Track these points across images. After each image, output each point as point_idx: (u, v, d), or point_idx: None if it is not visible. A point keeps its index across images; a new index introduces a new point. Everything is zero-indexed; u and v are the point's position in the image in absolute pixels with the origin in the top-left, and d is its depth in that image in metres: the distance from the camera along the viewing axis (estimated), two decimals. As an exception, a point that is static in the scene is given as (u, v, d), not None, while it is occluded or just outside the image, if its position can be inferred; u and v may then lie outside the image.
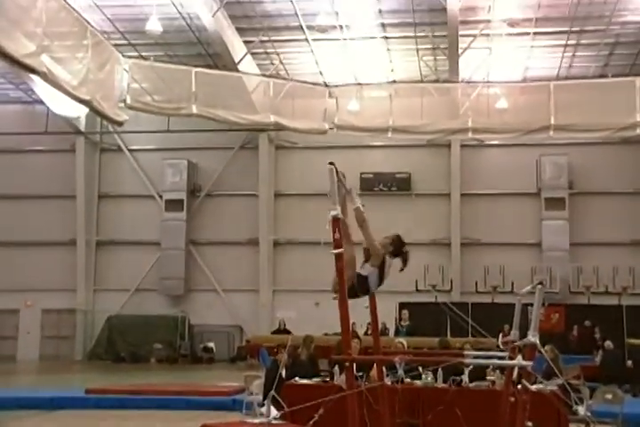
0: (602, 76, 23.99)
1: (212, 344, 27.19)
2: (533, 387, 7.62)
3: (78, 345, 27.91)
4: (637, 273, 25.68)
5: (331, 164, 6.42)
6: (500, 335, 18.94)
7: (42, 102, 25.05)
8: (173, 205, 27.88)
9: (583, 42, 23.66)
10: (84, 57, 19.09)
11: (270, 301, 27.62)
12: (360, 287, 6.82)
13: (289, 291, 27.21)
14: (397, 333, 20.64)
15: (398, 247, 7.09)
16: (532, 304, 7.30)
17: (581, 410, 7.98)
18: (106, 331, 27.54)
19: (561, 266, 25.72)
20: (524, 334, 7.40)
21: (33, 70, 17.52)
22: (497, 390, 9.34)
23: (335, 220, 6.24)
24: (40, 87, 23.18)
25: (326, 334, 20.09)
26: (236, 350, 26.96)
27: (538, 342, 6.83)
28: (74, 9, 19.00)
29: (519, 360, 7.08)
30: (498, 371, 10.22)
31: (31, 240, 27.97)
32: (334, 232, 6.20)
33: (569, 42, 23.60)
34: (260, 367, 17.97)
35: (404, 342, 12.42)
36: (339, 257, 6.22)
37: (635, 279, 25.65)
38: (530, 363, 6.64)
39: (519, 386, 7.49)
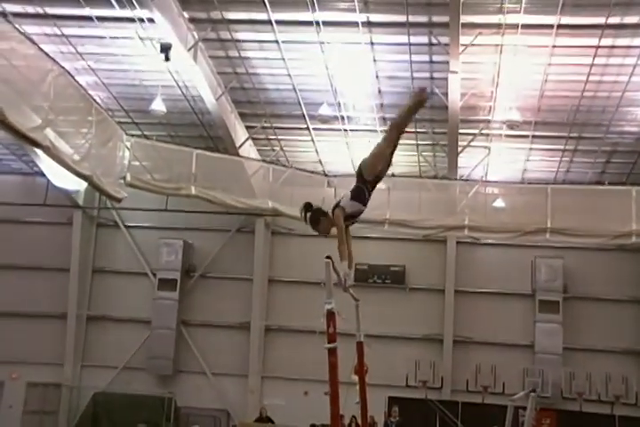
0: (598, 182, 24.16)
1: (197, 428, 26.63)
2: None
3: (62, 421, 27.29)
4: (631, 382, 25.16)
5: (328, 257, 6.48)
6: (488, 438, 18.51)
7: (42, 175, 25.38)
8: (167, 284, 27.69)
9: (581, 148, 23.93)
10: (87, 133, 19.48)
11: (259, 387, 27.13)
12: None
13: (278, 378, 26.76)
14: (386, 428, 20.25)
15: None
16: (523, 408, 7.17)
17: None
18: (91, 408, 26.84)
19: (553, 369, 25.19)
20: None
21: (36, 144, 17.81)
22: None
23: (330, 313, 6.23)
24: (42, 160, 23.54)
25: (314, 425, 19.68)
26: (222, 435, 26.39)
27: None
28: (81, 86, 19.52)
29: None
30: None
31: (21, 311, 27.72)
32: (328, 326, 6.18)
33: (567, 147, 23.88)
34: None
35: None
36: (332, 352, 6.16)
37: (628, 389, 25.11)
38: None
39: None
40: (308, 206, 7.36)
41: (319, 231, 7.35)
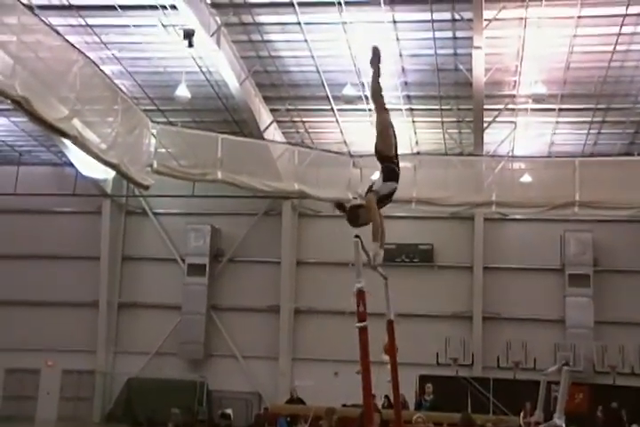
0: (627, 153, 24.05)
1: (229, 411, 26.73)
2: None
3: (96, 407, 27.67)
4: (664, 354, 25.17)
5: (356, 237, 6.47)
6: (522, 414, 18.53)
7: (71, 165, 25.51)
8: (196, 269, 27.89)
9: (609, 119, 23.78)
10: (113, 121, 19.58)
11: (289, 369, 27.30)
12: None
13: (308, 360, 26.91)
14: (420, 406, 20.27)
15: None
16: (555, 382, 7.15)
17: None
18: (125, 394, 27.33)
19: (585, 344, 25.20)
20: (547, 415, 7.24)
21: (64, 134, 17.97)
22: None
23: (360, 292, 6.24)
24: (70, 150, 23.64)
25: (344, 405, 19.78)
26: (253, 417, 26.57)
27: (564, 425, 6.67)
28: (106, 75, 19.55)
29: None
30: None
31: (54, 300, 28.03)
32: (358, 305, 6.19)
33: (594, 119, 23.76)
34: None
35: (424, 417, 12.15)
36: (363, 331, 6.19)
37: (661, 360, 25.14)
38: (555, 446, 6.48)
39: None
40: (340, 206, 7.29)
41: (361, 225, 7.29)
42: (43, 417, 27.40)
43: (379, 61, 7.46)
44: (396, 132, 7.45)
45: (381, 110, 7.47)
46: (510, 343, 25.79)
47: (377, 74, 7.46)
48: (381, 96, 7.52)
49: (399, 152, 7.42)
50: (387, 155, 7.30)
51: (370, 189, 7.25)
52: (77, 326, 27.93)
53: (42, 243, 28.39)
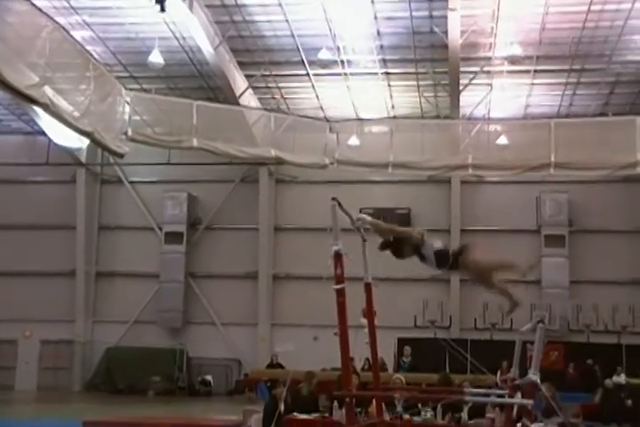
0: (602, 114, 24.19)
1: (209, 377, 26.99)
2: (534, 426, 7.54)
3: (76, 376, 27.71)
4: (637, 312, 25.52)
5: (333, 199, 6.45)
6: (499, 373, 18.77)
7: (43, 133, 25.19)
8: (173, 237, 27.83)
9: (584, 80, 23.85)
10: (86, 89, 19.31)
11: (269, 334, 27.44)
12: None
13: (287, 325, 26.96)
14: (399, 368, 20.48)
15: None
16: (530, 342, 7.24)
17: (583, 449, 7.88)
18: (104, 362, 27.37)
19: (560, 303, 25.57)
20: (523, 372, 7.33)
21: (35, 102, 17.75)
22: (496, 427, 9.24)
23: (337, 255, 6.25)
24: (42, 118, 23.34)
25: (324, 369, 19.95)
26: (233, 383, 26.75)
27: (539, 380, 6.77)
28: (77, 41, 19.26)
29: (521, 398, 7.02)
30: (497, 408, 10.11)
31: (31, 270, 27.87)
32: (336, 268, 6.21)
33: (569, 80, 23.82)
34: (258, 402, 17.80)
35: (403, 378, 12.32)
36: (340, 293, 6.21)
37: (634, 318, 25.49)
38: (531, 401, 6.58)
39: (519, 424, 7.39)
40: (385, 245, 6.98)
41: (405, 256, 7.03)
42: (22, 387, 27.38)
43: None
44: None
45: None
46: (487, 305, 25.99)
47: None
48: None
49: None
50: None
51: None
52: (55, 296, 27.84)
53: (16, 213, 28.13)
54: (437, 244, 6.93)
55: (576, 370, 22.51)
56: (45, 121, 23.14)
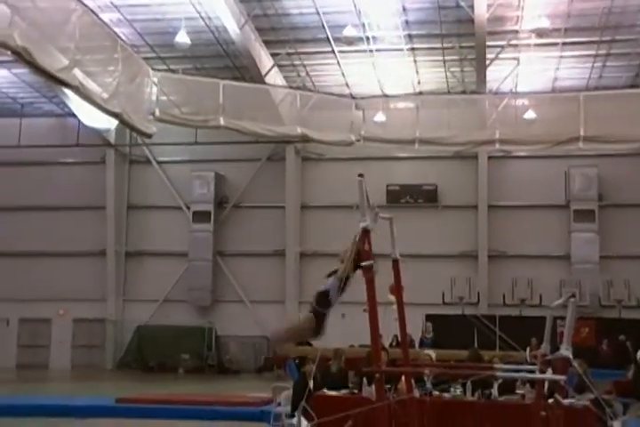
0: (632, 86, 23.83)
1: (238, 354, 27.29)
2: (566, 402, 7.53)
3: (108, 354, 28.14)
4: (669, 286, 25.33)
5: (360, 175, 6.45)
6: (528, 349, 18.76)
7: (73, 115, 25.42)
8: (201, 216, 28.00)
9: (613, 51, 23.38)
10: (114, 70, 19.49)
11: (296, 312, 27.55)
12: (321, 303, 6.55)
13: (315, 302, 27.08)
14: (422, 345, 20.52)
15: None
16: (561, 318, 7.20)
17: (616, 425, 7.87)
18: (135, 341, 27.78)
19: (591, 279, 25.33)
20: (553, 348, 7.32)
21: (66, 84, 18.01)
22: (527, 404, 9.23)
23: (365, 231, 6.25)
24: (71, 100, 23.52)
25: (352, 346, 20.06)
26: (262, 361, 26.98)
27: (571, 356, 6.76)
28: (105, 24, 19.35)
29: (552, 374, 7.01)
30: (528, 385, 10.11)
31: (63, 251, 28.29)
32: (363, 243, 6.21)
33: (599, 52, 23.38)
34: (287, 379, 17.95)
35: (432, 355, 12.34)
36: (368, 270, 6.22)
37: (667, 292, 25.32)
38: (563, 377, 6.57)
39: (550, 400, 7.39)
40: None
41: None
42: (56, 366, 27.93)
43: None
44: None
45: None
46: (516, 281, 25.98)
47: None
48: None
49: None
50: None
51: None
52: (86, 276, 28.22)
53: (47, 194, 28.46)
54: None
55: (609, 346, 22.40)
56: (75, 103, 23.39)
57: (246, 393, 17.29)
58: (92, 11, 18.33)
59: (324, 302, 6.55)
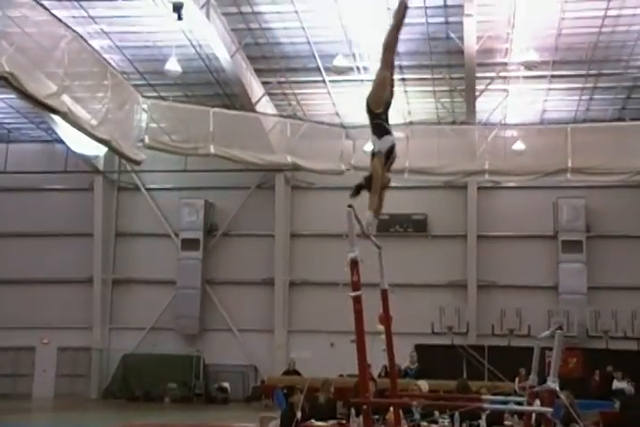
0: (619, 119, 24.04)
1: (226, 384, 27.03)
2: (553, 433, 7.46)
3: (93, 383, 27.82)
4: (657, 318, 25.36)
5: (349, 206, 6.46)
6: (517, 380, 18.67)
7: (61, 141, 25.42)
8: (190, 244, 27.91)
9: (600, 85, 23.73)
10: (104, 97, 19.46)
11: (285, 341, 27.44)
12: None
13: (304, 331, 26.99)
14: (405, 375, 20.38)
15: None
16: (549, 348, 7.19)
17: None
18: (121, 369, 27.46)
19: (578, 309, 25.37)
20: (541, 379, 7.29)
21: (54, 110, 17.94)
22: (515, 435, 9.18)
23: (353, 262, 6.24)
24: (60, 126, 23.51)
25: (341, 376, 19.92)
26: (250, 390, 26.75)
27: (558, 388, 6.73)
28: (95, 50, 19.39)
29: (539, 406, 6.98)
30: (516, 416, 10.06)
31: (48, 278, 28.04)
32: (352, 274, 6.20)
33: (586, 85, 23.72)
34: (275, 408, 17.81)
35: (424, 385, 12.25)
36: (357, 300, 6.20)
37: (654, 325, 25.32)
38: (550, 409, 6.54)
39: (538, 432, 7.34)
40: (357, 190, 7.06)
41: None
42: (39, 395, 27.52)
43: (403, 15, 7.29)
44: (393, 93, 7.31)
45: (386, 65, 7.30)
46: (505, 311, 25.96)
47: (397, 27, 7.27)
48: (393, 52, 7.34)
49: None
50: (375, 109, 7.19)
51: (373, 153, 7.16)
52: (72, 303, 27.99)
53: (34, 221, 28.33)
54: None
55: (600, 377, 22.35)
56: (63, 129, 23.37)
57: (233, 423, 17.13)
58: (81, 37, 18.33)
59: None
